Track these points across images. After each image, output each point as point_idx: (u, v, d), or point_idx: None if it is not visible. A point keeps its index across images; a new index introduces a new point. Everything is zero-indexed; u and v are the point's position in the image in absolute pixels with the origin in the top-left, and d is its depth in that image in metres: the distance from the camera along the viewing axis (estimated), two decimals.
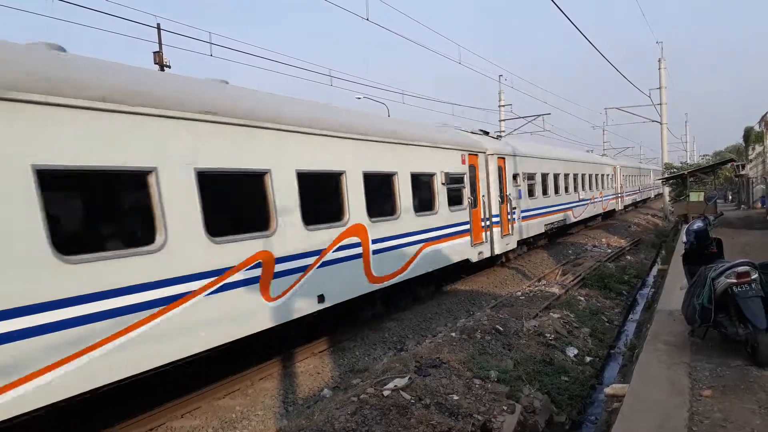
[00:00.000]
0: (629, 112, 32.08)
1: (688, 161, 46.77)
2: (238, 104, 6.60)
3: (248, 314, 6.44)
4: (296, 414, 6.22)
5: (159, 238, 5.39)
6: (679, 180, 25.08)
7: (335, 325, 9.08)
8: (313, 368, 7.82)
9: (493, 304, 10.71)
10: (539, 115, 29.31)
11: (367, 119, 9.62)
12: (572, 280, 13.18)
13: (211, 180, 5.95)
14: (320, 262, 7.61)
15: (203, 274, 5.81)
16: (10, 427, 4.31)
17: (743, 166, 27.73)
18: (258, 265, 6.52)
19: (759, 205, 24.84)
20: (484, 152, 13.21)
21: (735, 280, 5.08)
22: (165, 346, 5.41)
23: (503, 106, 30.96)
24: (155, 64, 18.57)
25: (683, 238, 7.13)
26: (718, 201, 22.22)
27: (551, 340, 8.57)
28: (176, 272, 5.52)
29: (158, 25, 18.27)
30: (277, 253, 6.81)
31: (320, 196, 7.91)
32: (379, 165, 9.11)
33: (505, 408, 5.83)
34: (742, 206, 26.86)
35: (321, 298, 7.63)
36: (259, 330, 6.59)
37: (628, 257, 17.88)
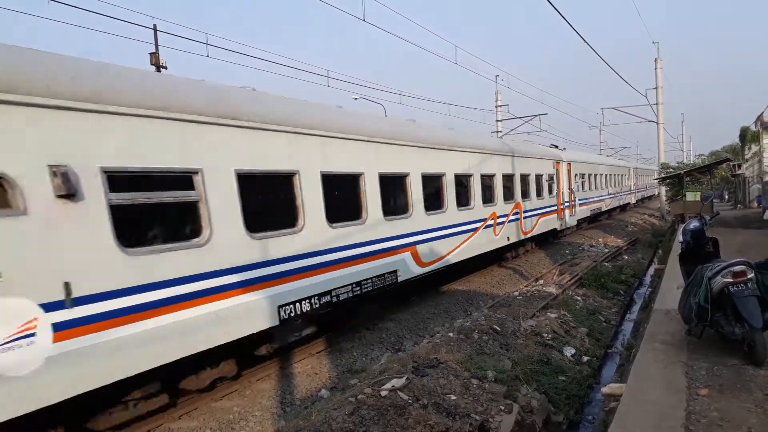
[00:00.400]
0: (626, 112, 32.14)
1: (685, 161, 46.94)
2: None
3: (489, 240, 13.46)
4: (294, 415, 6.22)
5: (471, 202, 12.37)
6: (676, 180, 25.13)
7: (333, 325, 9.08)
8: (311, 369, 7.82)
9: (490, 304, 10.73)
10: (536, 116, 29.30)
11: (526, 146, 17.82)
12: (569, 280, 13.20)
13: (458, 178, 11.95)
14: (507, 220, 14.65)
15: (479, 221, 12.77)
16: (10, 427, 4.30)
17: (739, 166, 27.74)
18: (492, 219, 13.52)
19: (755, 204, 24.89)
20: (561, 160, 20.28)
21: (731, 280, 5.08)
22: (469, 251, 12.22)
23: (500, 106, 31.00)
24: (152, 65, 18.54)
25: (680, 237, 7.13)
26: (714, 200, 22.24)
27: (548, 339, 8.59)
28: (476, 217, 12.60)
29: (155, 26, 18.26)
30: (497, 214, 13.79)
31: (508, 187, 14.90)
32: (524, 169, 16.09)
33: (502, 408, 5.83)
34: (739, 206, 26.91)
35: (508, 239, 14.70)
36: (491, 249, 13.65)
37: (625, 257, 17.94)
